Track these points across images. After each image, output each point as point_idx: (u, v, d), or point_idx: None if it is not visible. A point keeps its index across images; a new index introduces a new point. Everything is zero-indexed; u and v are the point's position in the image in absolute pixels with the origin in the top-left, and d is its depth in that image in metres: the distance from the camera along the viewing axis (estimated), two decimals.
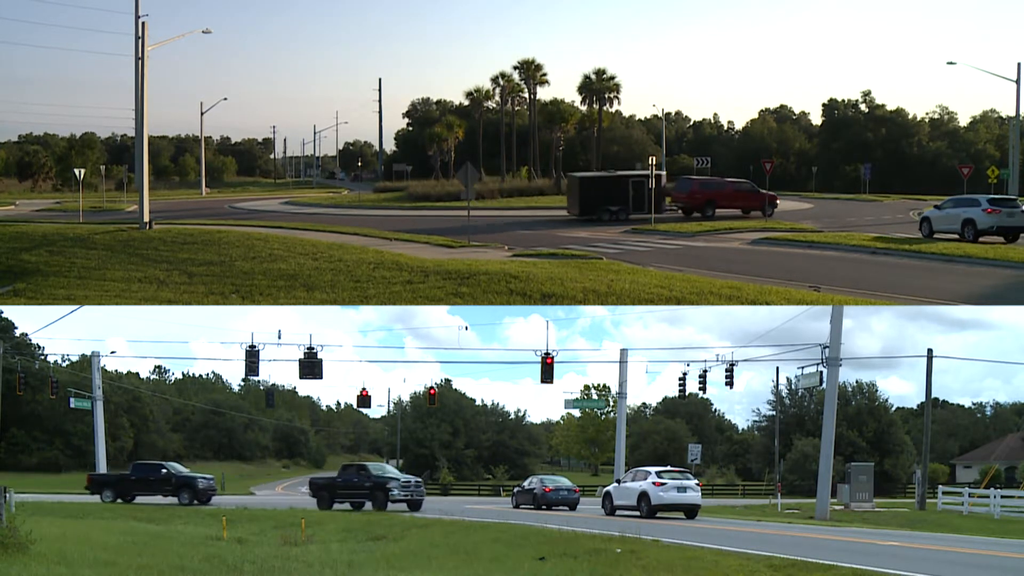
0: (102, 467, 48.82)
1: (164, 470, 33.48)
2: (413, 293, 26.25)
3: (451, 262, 30.88)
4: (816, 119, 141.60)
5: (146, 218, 42.15)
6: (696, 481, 27.39)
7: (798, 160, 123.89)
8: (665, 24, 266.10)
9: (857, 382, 69.87)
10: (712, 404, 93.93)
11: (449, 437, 76.76)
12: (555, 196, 75.65)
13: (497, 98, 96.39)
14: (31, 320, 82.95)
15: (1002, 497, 32.87)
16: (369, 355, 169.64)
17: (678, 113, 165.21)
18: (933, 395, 44.08)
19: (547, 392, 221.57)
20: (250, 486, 64.18)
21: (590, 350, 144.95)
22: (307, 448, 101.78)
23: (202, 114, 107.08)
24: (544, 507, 32.88)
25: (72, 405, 48.57)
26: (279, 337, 33.51)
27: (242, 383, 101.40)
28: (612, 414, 67.58)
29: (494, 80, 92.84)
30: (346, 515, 25.16)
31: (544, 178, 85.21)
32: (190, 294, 28.22)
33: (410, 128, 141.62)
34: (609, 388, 75.69)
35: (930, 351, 36.79)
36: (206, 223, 48.36)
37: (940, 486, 41.09)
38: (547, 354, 30.90)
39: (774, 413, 60.39)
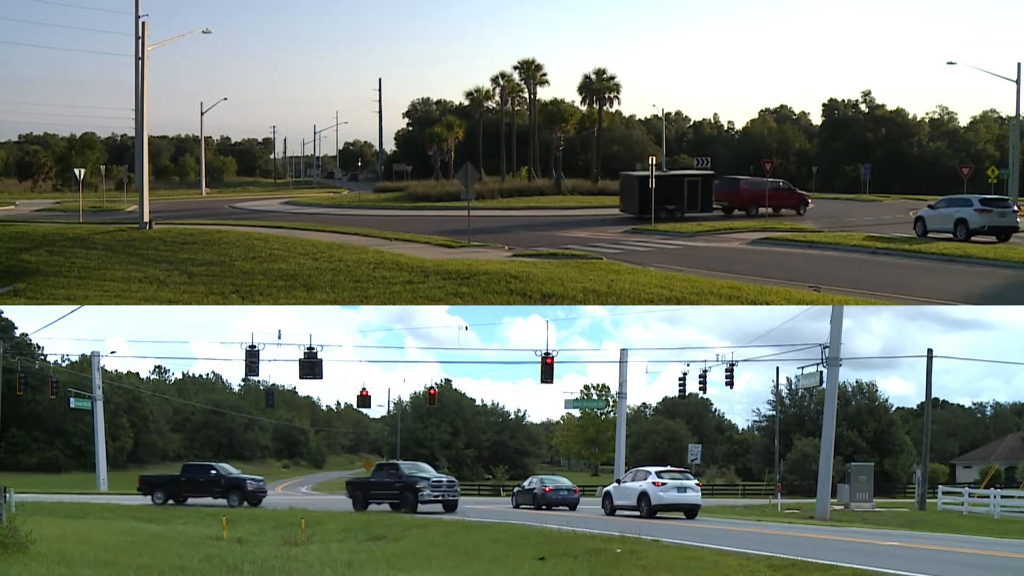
0: (102, 467, 48.96)
1: (213, 471, 32.17)
2: (413, 293, 26.25)
3: (451, 262, 30.87)
4: (816, 119, 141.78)
5: (146, 218, 42.14)
6: (696, 481, 27.39)
7: (798, 160, 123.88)
8: (665, 24, 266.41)
9: (857, 382, 69.93)
10: (712, 404, 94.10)
11: (449, 437, 76.77)
12: (555, 196, 75.65)
13: (497, 98, 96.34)
14: (31, 320, 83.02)
15: (1002, 497, 32.88)
16: (369, 355, 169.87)
17: (678, 113, 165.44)
18: (933, 395, 44.12)
19: (547, 392, 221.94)
20: None
21: (590, 350, 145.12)
22: (307, 448, 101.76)
23: (202, 114, 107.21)
24: (544, 507, 32.83)
25: (72, 405, 48.69)
26: (279, 337, 33.59)
27: (242, 383, 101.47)
28: (612, 414, 67.60)
29: (494, 80, 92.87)
30: (346, 515, 25.12)
31: (544, 178, 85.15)
32: (190, 294, 28.22)
33: (410, 128, 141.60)
34: (609, 388, 75.78)
35: (930, 351, 36.83)
36: (206, 223, 48.34)
37: (940, 486, 41.09)
38: (547, 354, 30.91)
39: (774, 413, 60.40)
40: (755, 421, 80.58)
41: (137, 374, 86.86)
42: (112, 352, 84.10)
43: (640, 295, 24.93)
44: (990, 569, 14.05)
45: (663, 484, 26.33)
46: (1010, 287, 29.01)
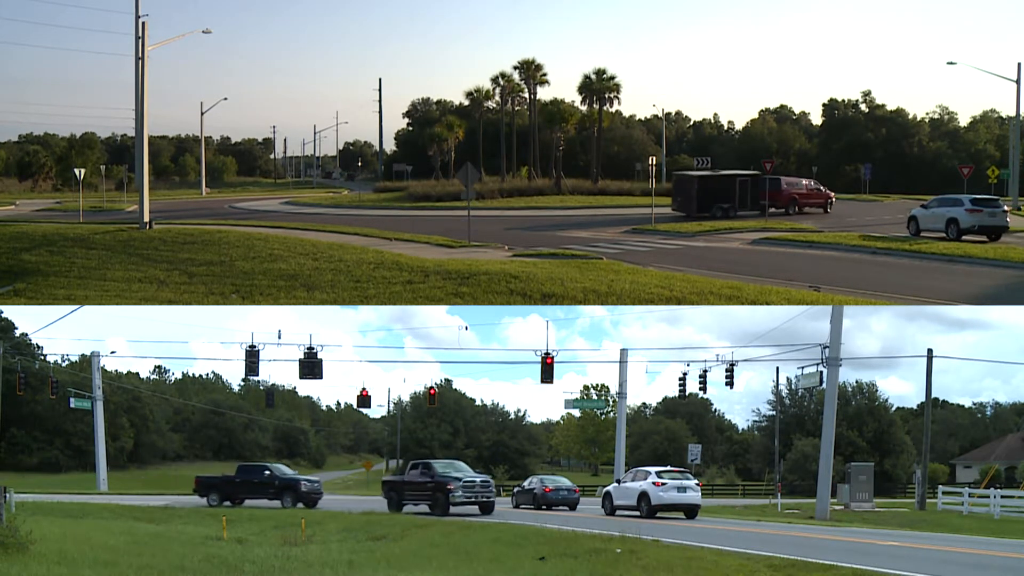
0: (102, 467, 48.96)
1: (267, 471, 31.73)
2: (413, 293, 26.25)
3: (451, 262, 30.87)
4: (816, 119, 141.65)
5: (146, 218, 42.14)
6: (696, 481, 27.43)
7: (798, 160, 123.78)
8: (665, 24, 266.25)
9: (857, 382, 70.01)
10: (712, 404, 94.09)
11: (449, 437, 76.78)
12: (555, 196, 75.62)
13: (497, 98, 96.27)
14: (31, 320, 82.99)
15: (1002, 497, 32.90)
16: (369, 355, 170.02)
17: (678, 113, 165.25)
18: (933, 395, 44.16)
19: (547, 392, 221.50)
20: None
21: (590, 350, 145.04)
22: (307, 448, 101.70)
23: (202, 114, 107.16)
24: (544, 507, 32.85)
25: (72, 405, 48.71)
26: (279, 337, 33.55)
27: (242, 383, 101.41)
28: (612, 414, 67.62)
29: (494, 80, 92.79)
30: (346, 515, 25.10)
31: (544, 178, 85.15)
32: (190, 294, 28.23)
33: (410, 128, 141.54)
34: (609, 388, 75.85)
35: (930, 351, 36.88)
36: (206, 223, 48.35)
37: (940, 486, 41.12)
38: (547, 354, 30.90)
39: (774, 413, 60.42)
40: (755, 421, 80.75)
41: (137, 374, 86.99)
42: (112, 352, 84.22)
43: (640, 295, 24.93)
44: (990, 569, 14.05)
45: (663, 484, 26.35)
46: (1010, 287, 29.02)
